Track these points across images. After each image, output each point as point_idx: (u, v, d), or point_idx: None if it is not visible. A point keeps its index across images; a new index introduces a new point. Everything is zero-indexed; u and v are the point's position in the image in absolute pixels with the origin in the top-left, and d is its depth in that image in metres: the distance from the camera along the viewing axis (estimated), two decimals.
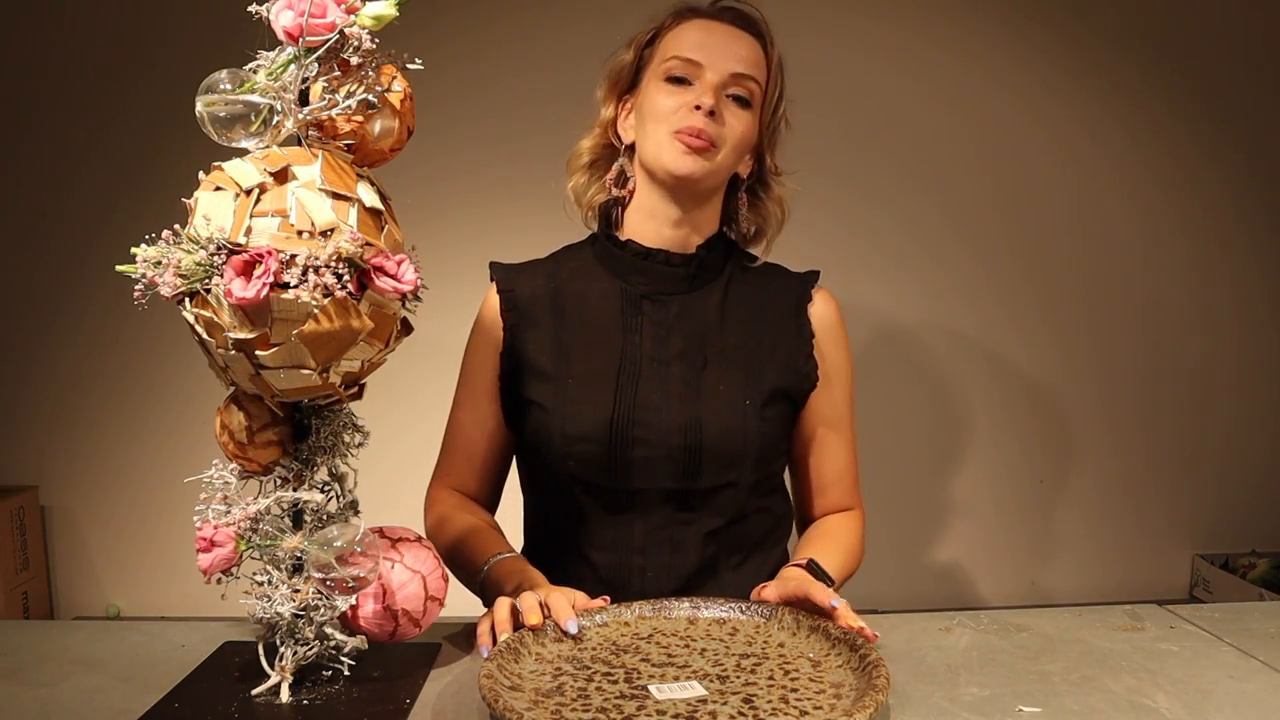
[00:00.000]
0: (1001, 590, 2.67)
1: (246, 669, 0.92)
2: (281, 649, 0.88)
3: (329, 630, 0.89)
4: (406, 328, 0.89)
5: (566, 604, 0.96)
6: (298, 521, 0.89)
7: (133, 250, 0.80)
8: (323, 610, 0.88)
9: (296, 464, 0.89)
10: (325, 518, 0.89)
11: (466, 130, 2.46)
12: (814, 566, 1.10)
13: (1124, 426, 2.66)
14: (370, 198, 0.83)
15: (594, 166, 1.24)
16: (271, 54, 0.83)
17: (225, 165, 0.82)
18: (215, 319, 0.79)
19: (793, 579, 1.05)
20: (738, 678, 0.87)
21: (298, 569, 0.88)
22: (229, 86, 0.82)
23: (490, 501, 1.27)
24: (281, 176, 0.80)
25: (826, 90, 2.37)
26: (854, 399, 1.25)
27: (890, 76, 2.53)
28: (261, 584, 0.88)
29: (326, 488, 0.90)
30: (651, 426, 1.13)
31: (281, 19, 0.81)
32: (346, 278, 0.79)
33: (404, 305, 0.86)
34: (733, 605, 1.00)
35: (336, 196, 0.81)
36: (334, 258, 0.78)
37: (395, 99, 0.87)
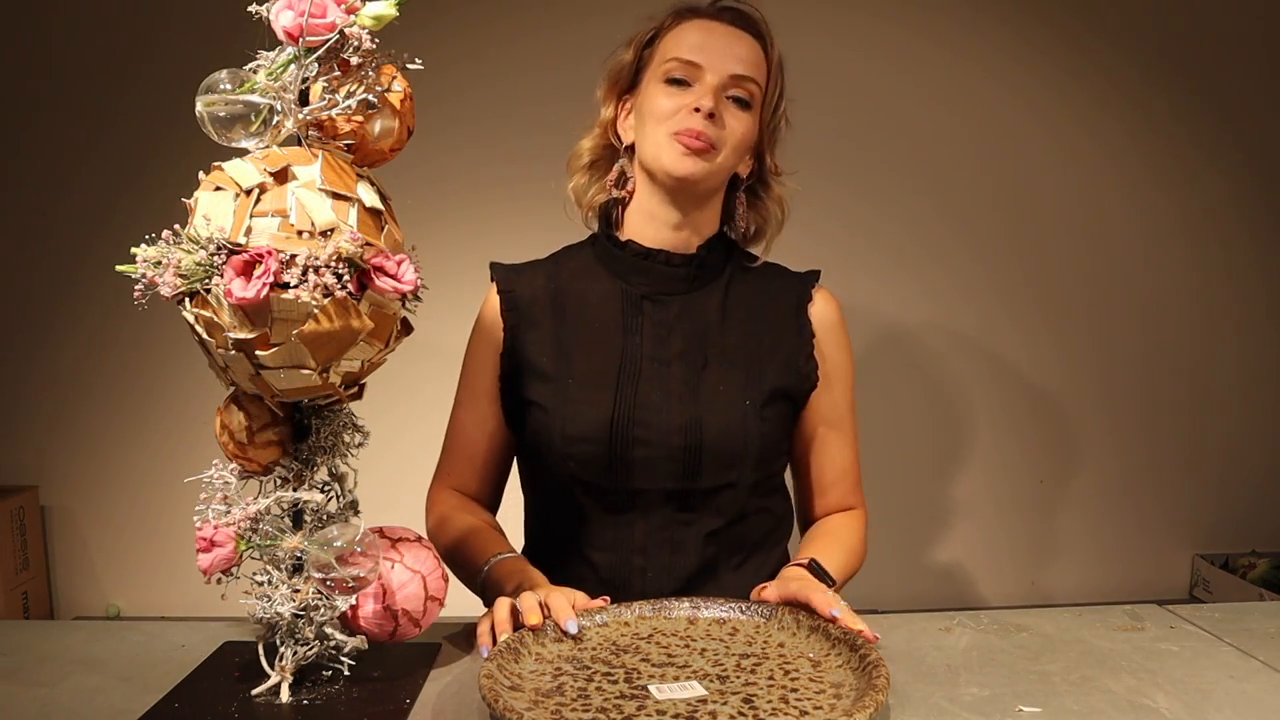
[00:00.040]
0: (1001, 590, 2.67)
1: (246, 669, 0.92)
2: (281, 649, 0.88)
3: (329, 630, 0.89)
4: (406, 328, 0.89)
5: (566, 604, 0.96)
6: (298, 521, 0.89)
7: (133, 250, 0.80)
8: (323, 610, 0.88)
9: (296, 464, 0.89)
10: (325, 518, 0.89)
11: (466, 130, 2.46)
12: (815, 566, 1.10)
13: (1124, 426, 2.66)
14: (370, 198, 0.83)
15: (594, 167, 1.24)
16: (271, 54, 0.83)
17: (225, 165, 0.82)
18: (215, 319, 0.79)
19: (794, 580, 1.05)
20: (738, 678, 0.87)
21: (298, 569, 0.88)
22: (229, 86, 0.82)
23: (491, 502, 1.27)
24: (281, 176, 0.80)
25: (826, 90, 2.37)
26: (855, 398, 1.25)
27: (890, 76, 2.53)
28: (261, 584, 0.88)
29: (326, 488, 0.90)
30: (652, 427, 1.13)
31: (281, 19, 0.81)
32: (346, 278, 0.79)
33: (404, 305, 0.86)
34: (733, 605, 1.00)
35: (336, 196, 0.81)
36: (334, 258, 0.78)
37: (395, 99, 0.87)
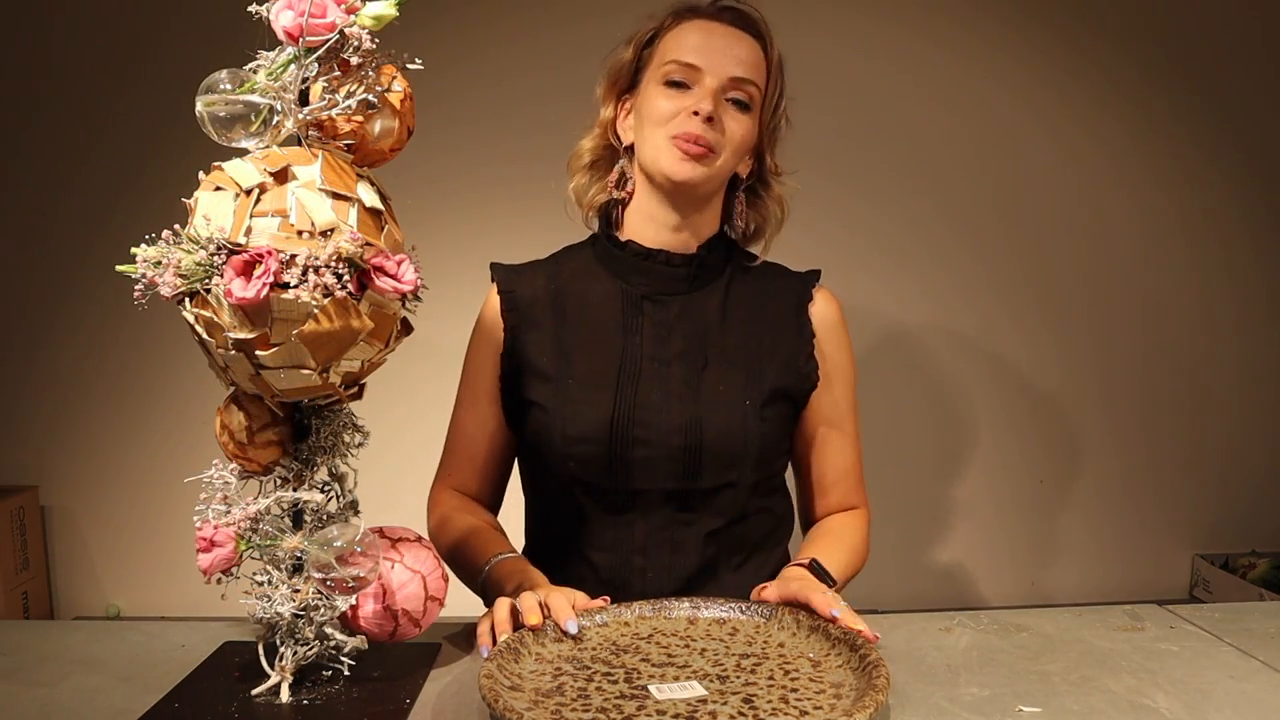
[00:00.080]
0: (1001, 590, 2.67)
1: (246, 669, 0.92)
2: (281, 649, 0.88)
3: (329, 630, 0.89)
4: (406, 328, 0.89)
5: (566, 604, 0.96)
6: (298, 521, 0.89)
7: (133, 250, 0.80)
8: (323, 610, 0.87)
9: (296, 464, 0.89)
10: (325, 518, 0.89)
11: (466, 130, 2.46)
12: (816, 566, 1.10)
13: (1124, 426, 2.66)
14: (370, 198, 0.83)
15: (595, 167, 1.24)
16: (271, 54, 0.83)
17: (225, 165, 0.82)
18: (215, 319, 0.79)
19: (794, 580, 1.05)
20: (738, 678, 0.87)
21: (298, 569, 0.88)
22: (229, 86, 0.82)
23: (492, 502, 1.27)
24: (281, 176, 0.80)
25: (826, 90, 2.37)
26: (856, 398, 1.25)
27: (890, 76, 2.53)
28: (261, 584, 0.88)
29: (326, 488, 0.90)
30: (652, 427, 1.13)
31: (281, 19, 0.81)
32: (346, 278, 0.79)
33: (404, 305, 0.86)
34: (733, 605, 1.00)
35: (336, 196, 0.81)
36: (334, 258, 0.78)
37: (395, 99, 0.87)
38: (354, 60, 0.84)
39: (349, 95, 0.84)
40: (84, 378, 2.58)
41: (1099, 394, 2.65)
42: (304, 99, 0.84)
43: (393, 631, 0.92)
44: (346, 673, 0.90)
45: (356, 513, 0.92)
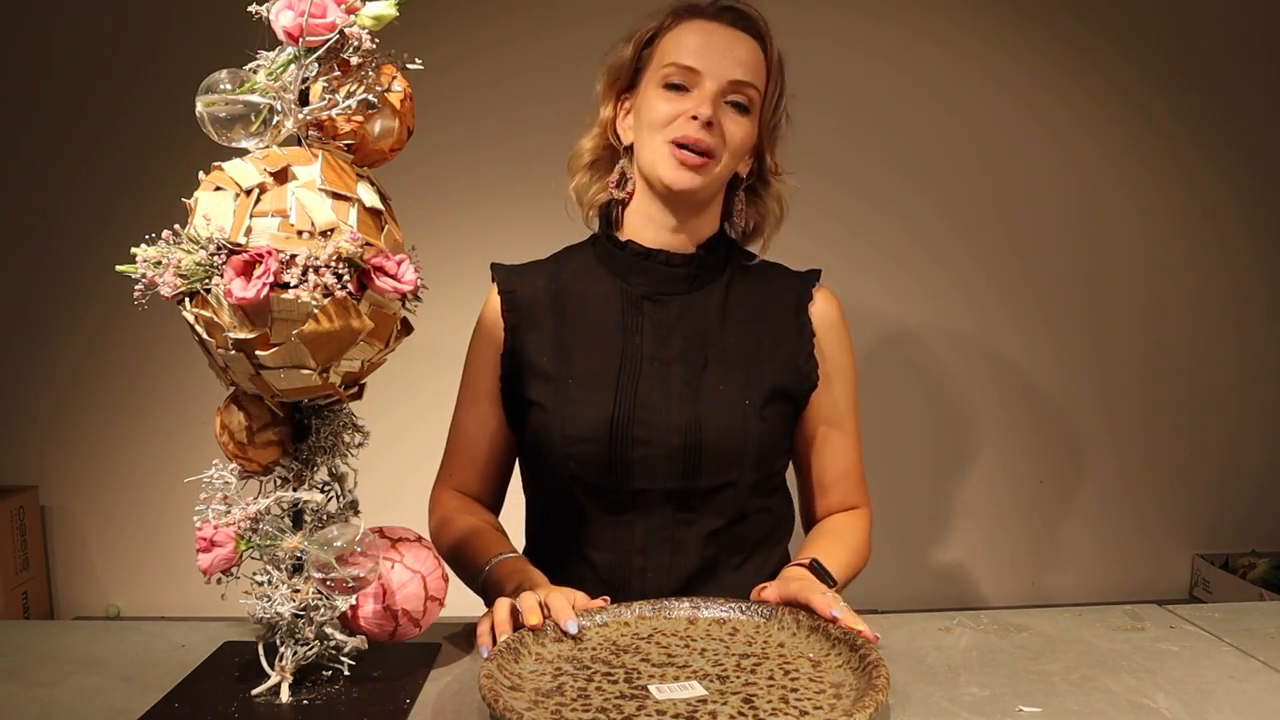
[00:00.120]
0: (1001, 590, 2.67)
1: (246, 669, 0.92)
2: (281, 649, 0.88)
3: (329, 630, 0.89)
4: (406, 328, 0.89)
5: (566, 604, 0.96)
6: (298, 521, 0.89)
7: (133, 250, 0.80)
8: (323, 610, 0.87)
9: (296, 464, 0.89)
10: (325, 518, 0.89)
11: (466, 130, 2.46)
12: (817, 566, 1.10)
13: (1124, 426, 2.66)
14: (370, 198, 0.83)
15: (595, 166, 1.24)
16: (271, 54, 0.83)
17: (225, 165, 0.82)
18: (215, 319, 0.79)
19: (794, 580, 1.05)
20: (738, 678, 0.87)
21: (298, 569, 0.88)
22: (229, 86, 0.82)
23: (494, 503, 1.27)
24: (281, 176, 0.80)
25: (826, 90, 2.37)
26: (857, 398, 1.25)
27: (890, 76, 2.53)
28: (261, 584, 0.88)
29: (326, 488, 0.90)
30: (651, 426, 1.13)
31: (281, 19, 0.81)
32: (346, 278, 0.79)
33: (404, 305, 0.86)
34: (733, 605, 1.00)
35: (336, 196, 0.81)
36: (334, 258, 0.78)
37: (395, 99, 0.87)
38: (354, 60, 0.84)
39: (349, 95, 0.84)
40: (84, 378, 2.58)
41: (1099, 394, 2.65)
42: (304, 99, 0.84)
43: (393, 631, 0.92)
44: (346, 673, 0.90)
45: (356, 513, 0.92)
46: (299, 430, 0.90)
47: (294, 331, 0.79)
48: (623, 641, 0.95)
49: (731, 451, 1.14)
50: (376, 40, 0.84)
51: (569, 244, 1.27)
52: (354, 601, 0.89)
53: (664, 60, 1.14)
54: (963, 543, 2.67)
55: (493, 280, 1.24)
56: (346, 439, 0.91)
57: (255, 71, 0.83)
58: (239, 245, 0.78)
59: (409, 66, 0.88)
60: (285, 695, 0.87)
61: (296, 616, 0.87)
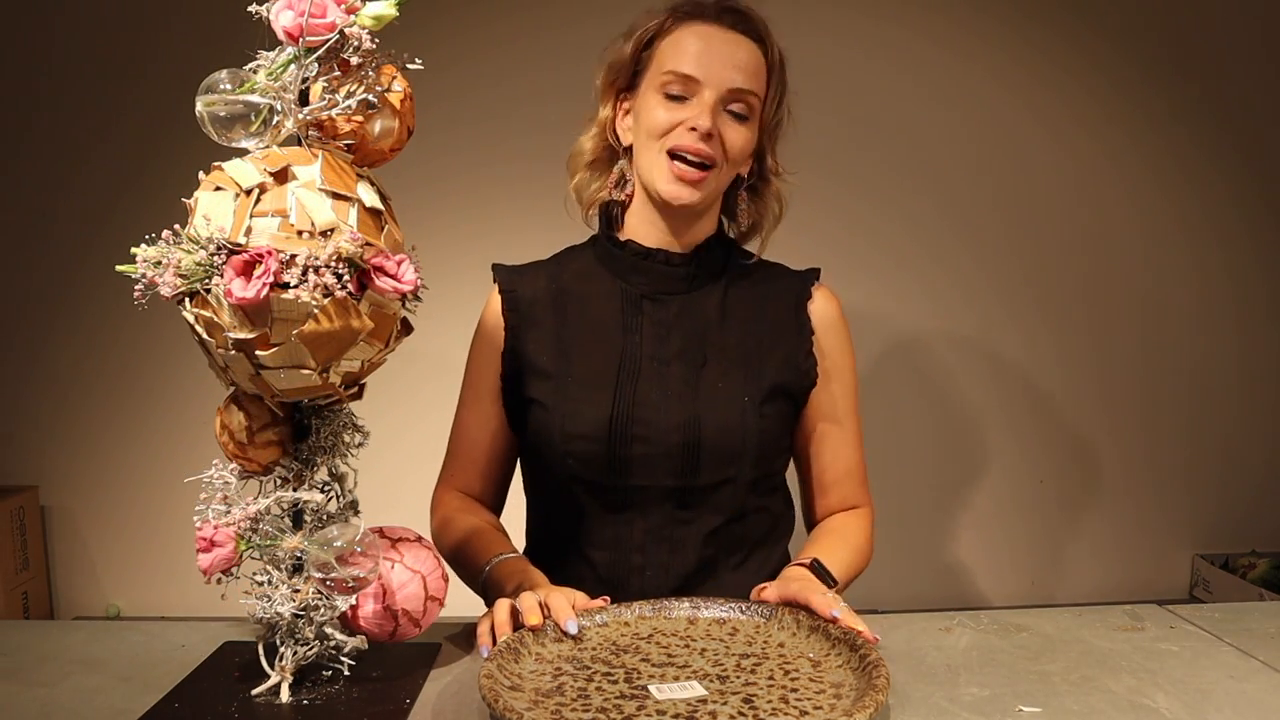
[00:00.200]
0: (1001, 590, 2.67)
1: (246, 669, 0.92)
2: (281, 649, 0.88)
3: (329, 630, 0.89)
4: (406, 328, 0.89)
5: (566, 604, 0.96)
6: (298, 521, 0.89)
7: (133, 250, 0.80)
8: (323, 610, 0.87)
9: (296, 464, 0.89)
10: (325, 518, 0.89)
11: (466, 130, 2.46)
12: (817, 566, 1.10)
13: (1124, 426, 2.66)
14: (370, 198, 0.83)
15: (595, 166, 1.24)
16: (271, 54, 0.83)
17: (225, 165, 0.82)
18: (215, 319, 0.79)
19: (795, 580, 1.05)
20: (738, 678, 0.87)
21: (298, 569, 0.88)
22: (229, 86, 0.82)
23: (495, 503, 1.27)
24: (281, 176, 0.80)
25: (826, 90, 2.37)
26: (858, 398, 1.25)
27: (890, 76, 2.53)
28: (261, 584, 0.88)
29: (326, 488, 0.90)
30: (651, 425, 1.13)
31: (281, 19, 0.81)
32: (346, 278, 0.79)
33: (404, 305, 0.86)
34: (733, 605, 1.00)
35: (336, 196, 0.81)
36: (334, 258, 0.78)
37: (395, 99, 0.87)
38: (354, 60, 0.84)
39: (349, 95, 0.84)
40: (84, 378, 2.58)
41: (1099, 394, 2.65)
42: (304, 99, 0.84)
43: (393, 631, 0.92)
44: (346, 673, 0.90)
45: (356, 513, 0.92)
46: (299, 430, 0.90)
47: (294, 331, 0.79)
48: (623, 641, 0.95)
49: (730, 448, 1.14)
50: (376, 40, 0.84)
51: (569, 244, 1.27)
52: (354, 601, 0.89)
53: (663, 66, 1.13)
54: (963, 543, 2.67)
55: (494, 280, 1.24)
56: (346, 439, 0.91)
57: (255, 71, 0.83)
58: (239, 245, 0.78)
59: (409, 66, 0.88)
60: (285, 695, 0.87)
61: (296, 616, 0.87)
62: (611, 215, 1.22)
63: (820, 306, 1.22)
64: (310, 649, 0.88)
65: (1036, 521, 2.67)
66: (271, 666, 0.89)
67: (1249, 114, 2.59)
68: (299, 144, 0.85)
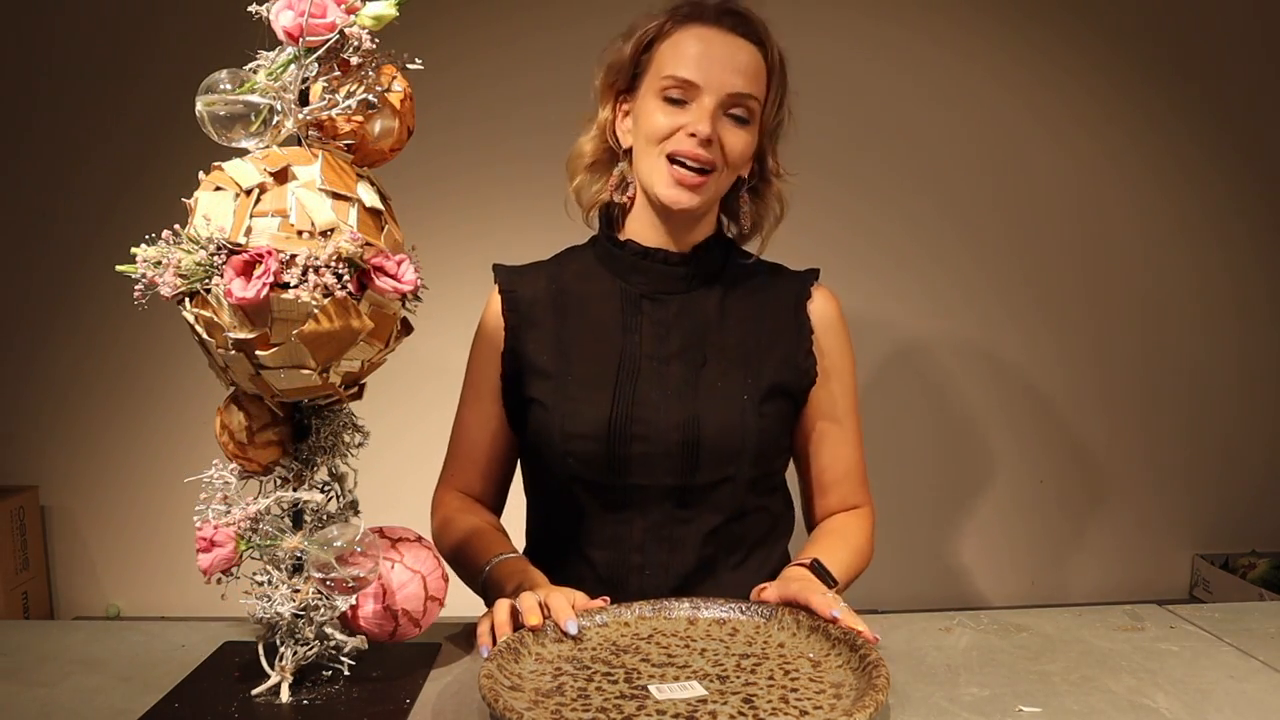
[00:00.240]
0: (1001, 590, 2.67)
1: (246, 669, 0.92)
2: (281, 649, 0.88)
3: (329, 630, 0.89)
4: (406, 328, 0.89)
5: (566, 604, 0.96)
6: (298, 521, 0.89)
7: (133, 250, 0.80)
8: (323, 610, 0.88)
9: (296, 464, 0.89)
10: (325, 518, 0.89)
11: (466, 130, 2.46)
12: (818, 566, 1.10)
13: (1124, 426, 2.66)
14: (370, 198, 0.83)
15: (595, 167, 1.23)
16: (271, 54, 0.83)
17: (225, 165, 0.82)
18: (215, 319, 0.79)
19: (795, 580, 1.05)
20: (738, 678, 0.87)
21: (298, 569, 0.88)
22: (229, 86, 0.82)
23: (495, 503, 1.27)
24: (281, 176, 0.80)
25: (826, 90, 2.37)
26: (858, 398, 1.25)
27: (890, 76, 2.53)
28: (261, 584, 0.88)
29: (326, 488, 0.90)
30: (650, 424, 1.13)
31: (281, 19, 0.81)
32: (346, 278, 0.79)
33: (404, 305, 0.86)
34: (733, 605, 1.00)
35: (336, 196, 0.81)
36: (334, 258, 0.78)
37: (395, 99, 0.87)
38: (354, 60, 0.84)
39: (349, 95, 0.84)
40: (84, 378, 2.58)
41: (1099, 394, 2.65)
42: (304, 99, 0.84)
43: (393, 631, 0.92)
44: (346, 673, 0.90)
45: (356, 513, 0.92)
46: (299, 430, 0.90)
47: (294, 331, 0.79)
48: (623, 642, 0.95)
49: (730, 447, 1.14)
50: (376, 40, 0.84)
51: (569, 244, 1.27)
52: (354, 601, 0.89)
53: (662, 70, 1.13)
54: (963, 543, 2.67)
55: (495, 281, 1.24)
56: (346, 439, 0.91)
57: (255, 71, 0.83)
58: (239, 245, 0.78)
59: (409, 66, 0.88)
60: (285, 695, 0.87)
61: (296, 616, 0.87)
62: (612, 215, 1.22)
63: (819, 306, 1.22)
64: (310, 649, 0.88)
65: (1036, 521, 2.67)
66: (271, 666, 0.89)
67: (1249, 114, 2.59)
68: (299, 144, 0.85)
